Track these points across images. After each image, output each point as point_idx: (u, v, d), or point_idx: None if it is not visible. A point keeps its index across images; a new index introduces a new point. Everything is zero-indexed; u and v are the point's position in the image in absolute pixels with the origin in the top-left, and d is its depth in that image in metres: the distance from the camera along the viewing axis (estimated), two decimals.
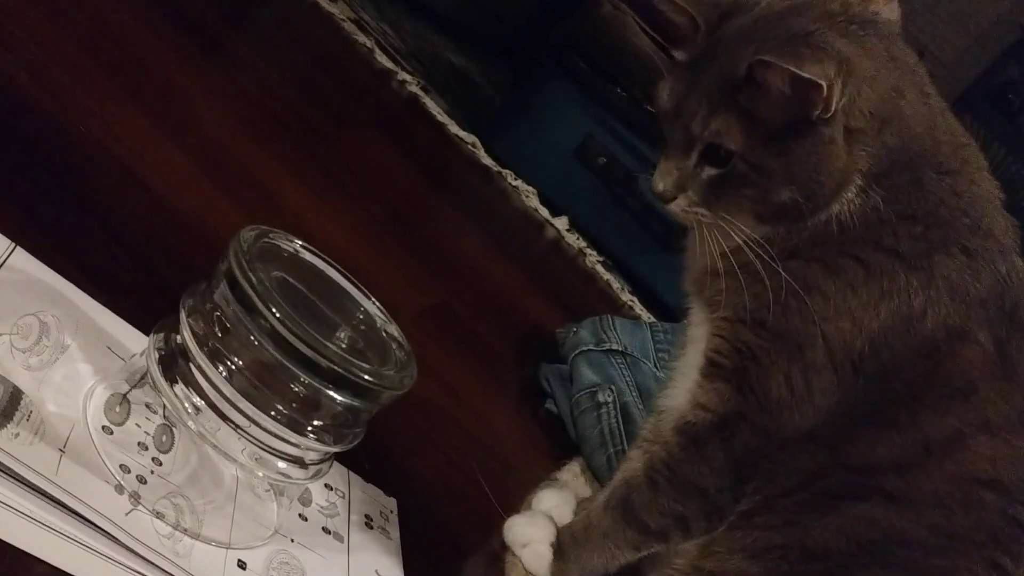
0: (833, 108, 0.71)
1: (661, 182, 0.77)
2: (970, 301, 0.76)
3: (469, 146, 1.92)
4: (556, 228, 1.94)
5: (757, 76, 0.71)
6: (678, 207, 0.78)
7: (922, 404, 0.76)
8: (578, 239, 1.96)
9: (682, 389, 0.84)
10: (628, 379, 1.23)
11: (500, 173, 1.94)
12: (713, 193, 0.76)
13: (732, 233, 0.76)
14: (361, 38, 1.90)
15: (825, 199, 0.74)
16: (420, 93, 1.92)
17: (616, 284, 1.91)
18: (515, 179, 1.95)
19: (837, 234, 0.75)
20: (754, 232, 0.76)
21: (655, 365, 1.29)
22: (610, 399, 1.18)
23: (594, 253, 1.95)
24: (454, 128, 1.92)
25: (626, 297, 1.89)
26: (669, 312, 1.78)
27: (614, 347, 1.28)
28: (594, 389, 1.19)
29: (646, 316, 1.85)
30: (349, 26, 1.90)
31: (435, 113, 1.91)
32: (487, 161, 1.93)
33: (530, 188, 1.96)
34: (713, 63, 0.75)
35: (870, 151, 0.74)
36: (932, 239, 0.76)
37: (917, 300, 0.75)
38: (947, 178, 0.77)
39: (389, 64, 1.92)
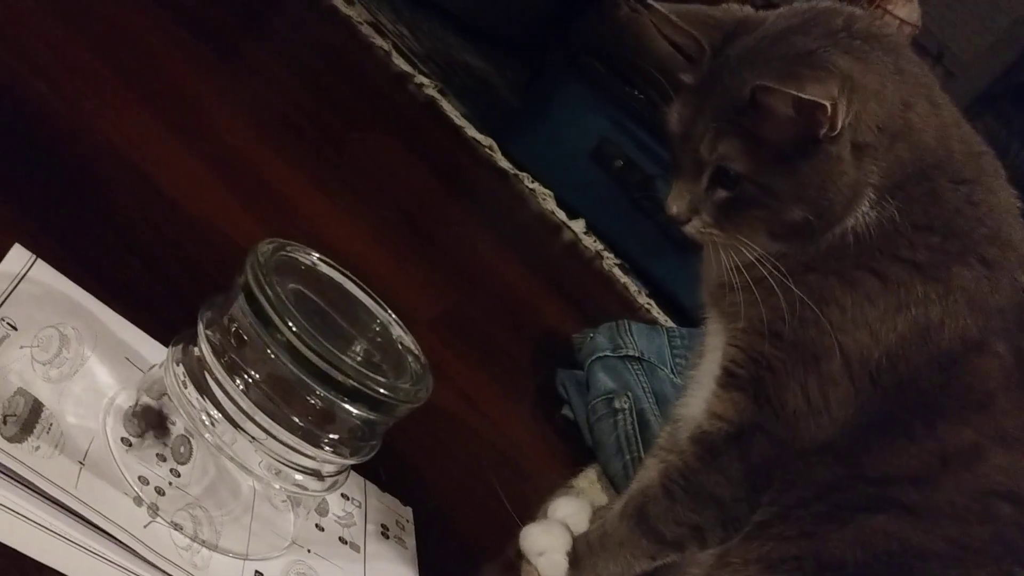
0: (839, 126, 0.70)
1: (675, 205, 0.78)
2: (988, 312, 0.75)
3: (486, 149, 1.92)
4: (573, 231, 1.94)
5: (760, 100, 0.71)
6: (693, 228, 0.78)
7: (939, 415, 0.76)
8: (595, 242, 1.96)
9: (698, 398, 0.84)
10: (645, 385, 1.23)
11: (517, 176, 1.94)
12: (725, 215, 0.76)
13: (745, 251, 0.76)
14: (378, 41, 1.91)
15: (837, 215, 0.74)
16: (437, 96, 1.92)
17: (633, 287, 1.91)
18: (532, 182, 1.95)
19: (854, 247, 0.75)
20: (767, 249, 0.76)
21: (672, 371, 1.29)
22: (627, 405, 1.18)
23: (611, 256, 1.95)
24: (471, 131, 1.92)
25: (643, 300, 1.89)
26: (687, 315, 1.78)
27: (631, 353, 1.28)
28: (611, 395, 1.19)
29: (663, 319, 1.85)
30: (366, 29, 1.91)
31: (452, 116, 1.91)
32: (504, 164, 1.93)
33: (547, 191, 1.96)
34: (718, 86, 0.75)
35: (881, 165, 0.74)
36: (950, 249, 0.75)
37: (934, 311, 0.74)
38: (963, 187, 0.77)
39: (406, 67, 1.92)
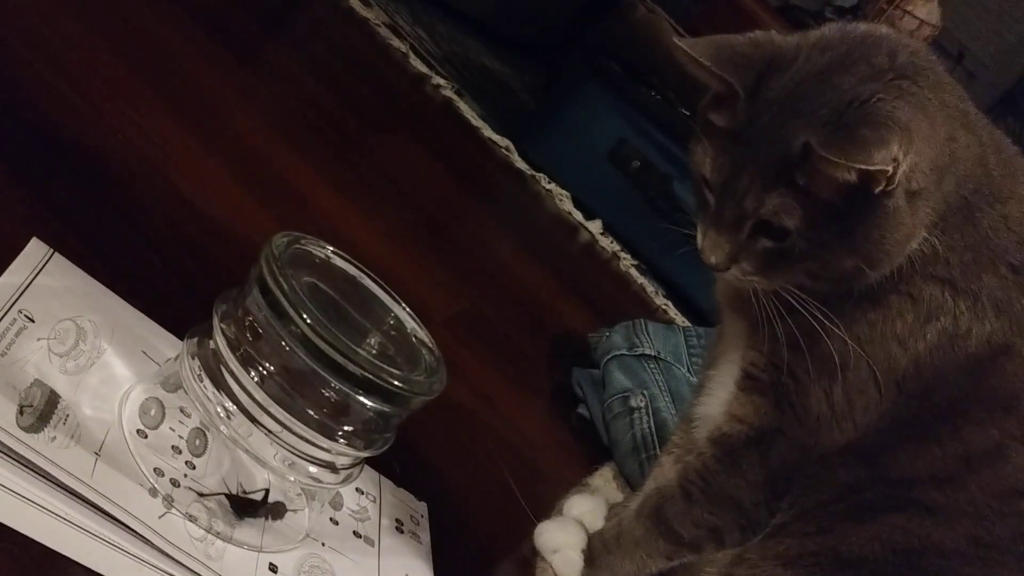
0: (897, 181, 0.67)
1: (712, 255, 0.73)
2: (1015, 316, 0.74)
3: (503, 150, 1.93)
4: (589, 232, 1.94)
5: (819, 166, 0.67)
6: (732, 276, 0.74)
7: (964, 418, 0.75)
8: (612, 243, 1.95)
9: (717, 399, 0.83)
10: (661, 384, 1.23)
11: (533, 177, 1.94)
12: (770, 263, 0.72)
13: (781, 290, 0.73)
14: (396, 43, 1.92)
15: (891, 262, 0.71)
16: (454, 97, 1.92)
17: (650, 288, 1.90)
18: (548, 183, 1.95)
19: (892, 277, 0.72)
20: (805, 289, 0.72)
21: (688, 370, 1.28)
22: (643, 404, 1.17)
23: (628, 257, 1.95)
24: (488, 132, 1.92)
25: (660, 301, 1.88)
26: (704, 317, 1.77)
27: (647, 351, 1.28)
28: (627, 394, 1.19)
29: (680, 320, 1.84)
30: (384, 31, 1.92)
31: (469, 117, 1.91)
32: (521, 165, 1.94)
33: (564, 192, 1.96)
34: (761, 136, 0.70)
35: (933, 206, 0.71)
36: (982, 262, 0.74)
37: (963, 320, 0.73)
38: (998, 206, 0.75)
39: (423, 68, 1.93)
